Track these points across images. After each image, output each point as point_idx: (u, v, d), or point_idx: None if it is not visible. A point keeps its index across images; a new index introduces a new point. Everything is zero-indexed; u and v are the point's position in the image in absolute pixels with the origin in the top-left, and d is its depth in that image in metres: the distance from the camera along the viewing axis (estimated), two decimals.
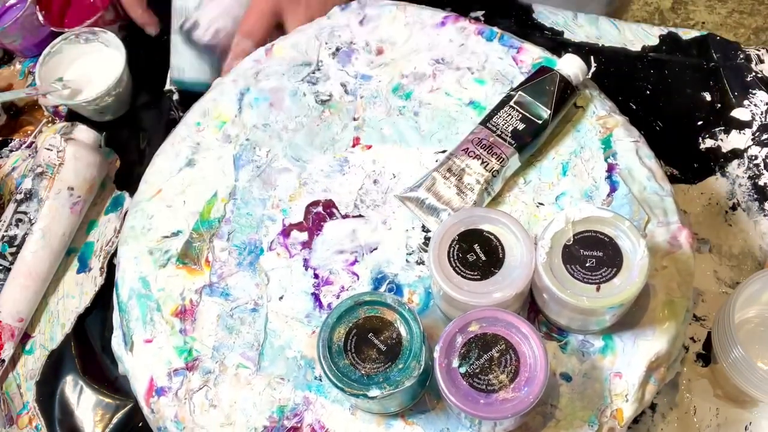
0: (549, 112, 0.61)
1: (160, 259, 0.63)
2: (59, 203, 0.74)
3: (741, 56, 0.79)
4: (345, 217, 0.63)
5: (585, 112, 0.65)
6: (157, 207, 0.66)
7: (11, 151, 0.86)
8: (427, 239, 0.61)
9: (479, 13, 0.85)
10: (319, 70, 0.71)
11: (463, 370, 0.48)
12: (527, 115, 0.62)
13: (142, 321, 0.61)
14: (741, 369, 0.57)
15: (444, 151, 0.64)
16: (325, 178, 0.65)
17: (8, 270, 0.73)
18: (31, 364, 0.72)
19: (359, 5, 0.74)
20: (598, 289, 0.51)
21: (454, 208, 0.60)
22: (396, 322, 0.51)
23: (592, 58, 0.81)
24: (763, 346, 0.62)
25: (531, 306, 0.57)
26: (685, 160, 0.74)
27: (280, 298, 0.61)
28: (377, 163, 0.65)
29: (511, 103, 0.62)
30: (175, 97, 0.83)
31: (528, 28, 0.84)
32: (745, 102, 0.76)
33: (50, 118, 0.87)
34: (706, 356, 0.65)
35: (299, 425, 0.56)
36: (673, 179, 0.73)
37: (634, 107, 0.78)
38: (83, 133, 0.76)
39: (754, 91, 0.77)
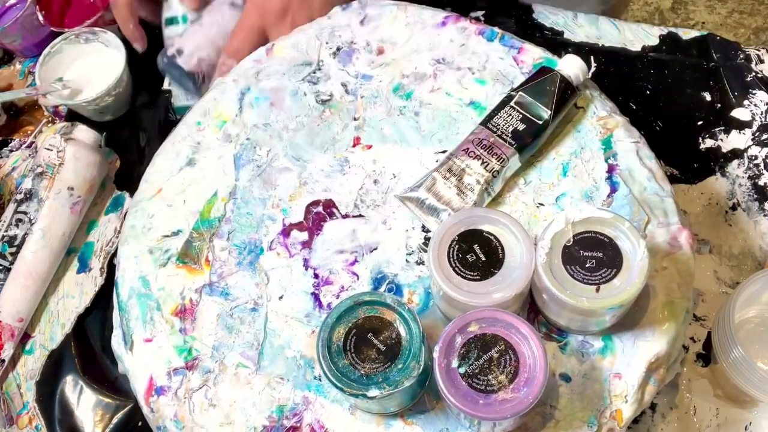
0: (549, 112, 0.61)
1: (161, 259, 0.63)
2: (59, 203, 0.74)
3: (741, 56, 0.79)
4: (345, 216, 0.63)
5: (585, 113, 0.65)
6: (157, 206, 0.66)
7: (11, 151, 0.86)
8: (427, 239, 0.61)
9: (479, 13, 0.85)
10: (319, 69, 0.71)
11: (462, 370, 0.48)
12: (528, 115, 0.62)
13: (142, 320, 0.61)
14: (741, 369, 0.57)
15: (444, 152, 0.64)
16: (325, 177, 0.65)
17: (8, 270, 0.73)
18: (31, 364, 0.72)
19: (360, 5, 0.74)
20: (597, 289, 0.51)
21: (454, 208, 0.60)
22: (395, 322, 0.51)
23: (592, 58, 0.81)
24: (763, 346, 0.62)
25: (531, 306, 0.57)
26: (685, 160, 0.74)
27: (280, 297, 0.61)
28: (377, 163, 0.65)
29: (512, 104, 0.62)
30: (172, 98, 0.83)
31: (528, 28, 0.84)
32: (745, 102, 0.76)
33: (50, 118, 0.87)
34: (706, 356, 0.65)
35: (298, 425, 0.56)
36: (673, 179, 0.73)
37: (634, 107, 0.78)
38: (83, 133, 0.76)
39: (754, 91, 0.77)
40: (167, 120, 0.81)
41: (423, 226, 0.62)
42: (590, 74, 0.79)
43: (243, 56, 0.74)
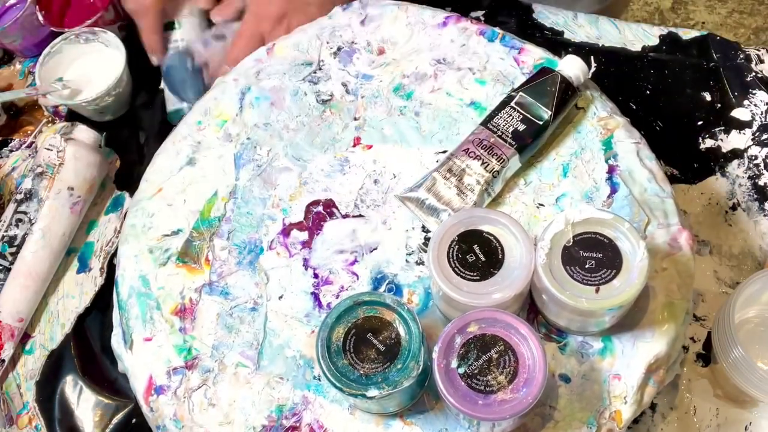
0: (550, 113, 0.61)
1: (160, 258, 0.63)
2: (59, 203, 0.74)
3: (741, 56, 0.79)
4: (345, 216, 0.63)
5: (586, 114, 0.65)
6: (157, 205, 0.66)
7: (11, 151, 0.86)
8: (426, 239, 0.61)
9: (479, 13, 0.85)
10: (320, 69, 0.71)
11: (461, 370, 0.48)
12: (528, 116, 0.62)
13: (141, 319, 0.61)
14: (741, 369, 0.57)
15: (444, 152, 0.64)
16: (325, 177, 0.65)
17: (8, 270, 0.73)
18: (31, 364, 0.72)
19: (361, 5, 0.74)
20: (597, 290, 0.51)
21: (454, 208, 0.60)
22: (395, 323, 0.51)
23: (592, 58, 0.81)
24: (763, 346, 0.62)
25: (530, 307, 0.57)
26: (685, 160, 0.74)
27: (280, 297, 0.61)
28: (378, 163, 0.65)
29: (512, 104, 0.62)
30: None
31: (528, 28, 0.84)
32: (745, 102, 0.76)
33: (50, 118, 0.87)
34: (706, 356, 0.65)
35: (298, 424, 0.56)
36: (673, 179, 0.73)
37: (634, 107, 0.78)
38: (83, 133, 0.76)
39: (754, 91, 0.77)
40: (166, 120, 0.81)
41: (423, 227, 0.62)
42: (590, 74, 0.79)
43: None
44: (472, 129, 0.63)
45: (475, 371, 0.48)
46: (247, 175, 0.66)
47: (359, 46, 0.71)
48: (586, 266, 0.51)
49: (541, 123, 0.61)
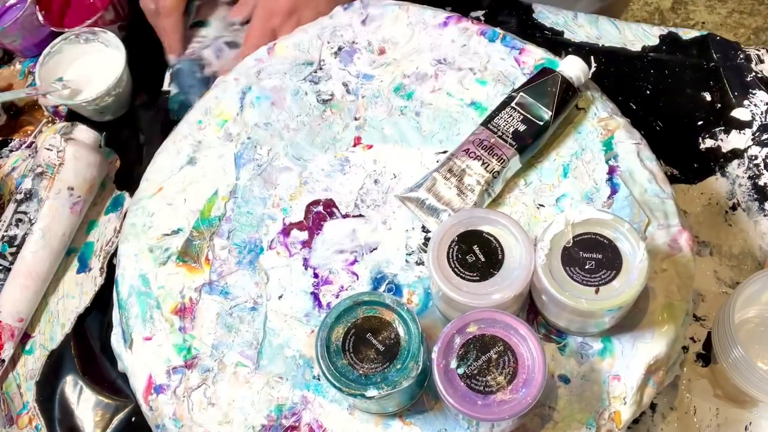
0: (550, 113, 0.61)
1: (161, 257, 0.63)
2: (59, 203, 0.74)
3: (741, 56, 0.79)
4: (345, 216, 0.63)
5: (586, 114, 0.65)
6: (158, 205, 0.66)
7: (11, 151, 0.86)
8: (426, 240, 0.61)
9: (479, 13, 0.85)
10: (321, 69, 0.71)
11: (461, 371, 0.48)
12: (528, 116, 0.62)
13: (141, 318, 0.61)
14: (741, 369, 0.57)
15: (445, 152, 0.64)
16: (325, 177, 0.65)
17: (8, 270, 0.73)
18: (31, 364, 0.72)
19: (362, 5, 0.74)
20: (597, 291, 0.51)
21: (455, 208, 0.60)
22: (394, 323, 0.51)
23: (592, 58, 0.81)
24: (763, 346, 0.62)
25: (530, 307, 0.57)
26: (685, 160, 0.74)
27: (280, 297, 0.61)
28: (378, 163, 0.65)
29: (513, 104, 0.62)
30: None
31: (528, 28, 0.84)
32: (745, 102, 0.76)
33: (50, 118, 0.87)
34: (706, 356, 0.65)
35: (297, 424, 0.56)
36: (673, 179, 0.73)
37: (634, 107, 0.78)
38: (83, 133, 0.76)
39: (754, 91, 0.77)
40: (167, 120, 0.81)
41: (423, 227, 0.62)
42: (590, 74, 0.79)
43: None
44: (473, 129, 0.63)
45: (475, 372, 0.48)
46: (248, 175, 0.66)
47: (360, 45, 0.71)
48: (586, 267, 0.51)
49: (541, 123, 0.61)
